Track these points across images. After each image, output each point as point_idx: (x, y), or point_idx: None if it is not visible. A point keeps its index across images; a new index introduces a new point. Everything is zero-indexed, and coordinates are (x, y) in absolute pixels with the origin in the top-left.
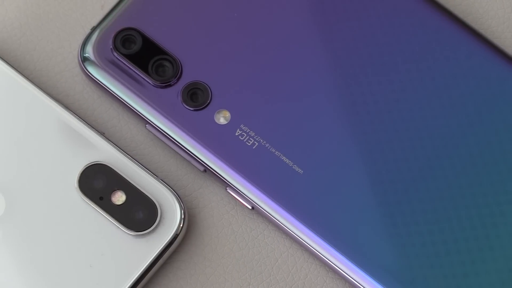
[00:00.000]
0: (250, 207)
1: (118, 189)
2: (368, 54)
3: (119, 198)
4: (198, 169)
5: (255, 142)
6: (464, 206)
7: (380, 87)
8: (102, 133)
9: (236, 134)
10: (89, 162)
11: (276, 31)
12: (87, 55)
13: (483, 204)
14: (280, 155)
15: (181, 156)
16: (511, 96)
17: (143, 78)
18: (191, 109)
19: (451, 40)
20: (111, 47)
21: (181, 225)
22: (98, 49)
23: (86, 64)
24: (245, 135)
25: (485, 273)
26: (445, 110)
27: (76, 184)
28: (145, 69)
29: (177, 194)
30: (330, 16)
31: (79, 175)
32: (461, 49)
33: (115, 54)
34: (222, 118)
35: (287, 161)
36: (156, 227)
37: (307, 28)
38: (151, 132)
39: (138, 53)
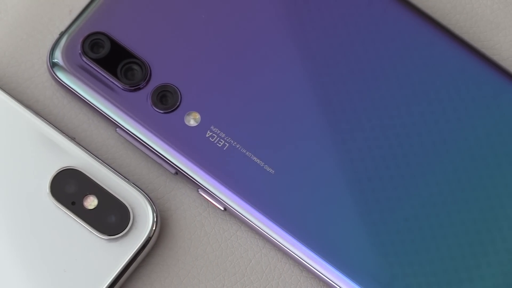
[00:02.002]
0: (223, 209)
1: (90, 194)
2: (338, 53)
3: (91, 202)
4: (170, 172)
5: (226, 143)
6: (443, 202)
7: (350, 86)
8: (73, 138)
9: (207, 135)
10: (60, 167)
11: (244, 32)
12: (56, 60)
13: (462, 200)
14: (251, 156)
15: (152, 159)
16: (481, 91)
17: (113, 82)
18: (161, 111)
19: (419, 36)
20: (79, 51)
21: (154, 228)
22: (66, 54)
23: (55, 69)
24: (216, 136)
25: (464, 270)
26: (416, 107)
27: (48, 190)
28: (114, 73)
29: (149, 197)
30: (298, 16)
31: (50, 181)
32: (429, 45)
33: (84, 58)
34: (192, 120)
35: (258, 161)
36: (129, 230)
37: (275, 28)
38: (122, 135)
39: (107, 57)
